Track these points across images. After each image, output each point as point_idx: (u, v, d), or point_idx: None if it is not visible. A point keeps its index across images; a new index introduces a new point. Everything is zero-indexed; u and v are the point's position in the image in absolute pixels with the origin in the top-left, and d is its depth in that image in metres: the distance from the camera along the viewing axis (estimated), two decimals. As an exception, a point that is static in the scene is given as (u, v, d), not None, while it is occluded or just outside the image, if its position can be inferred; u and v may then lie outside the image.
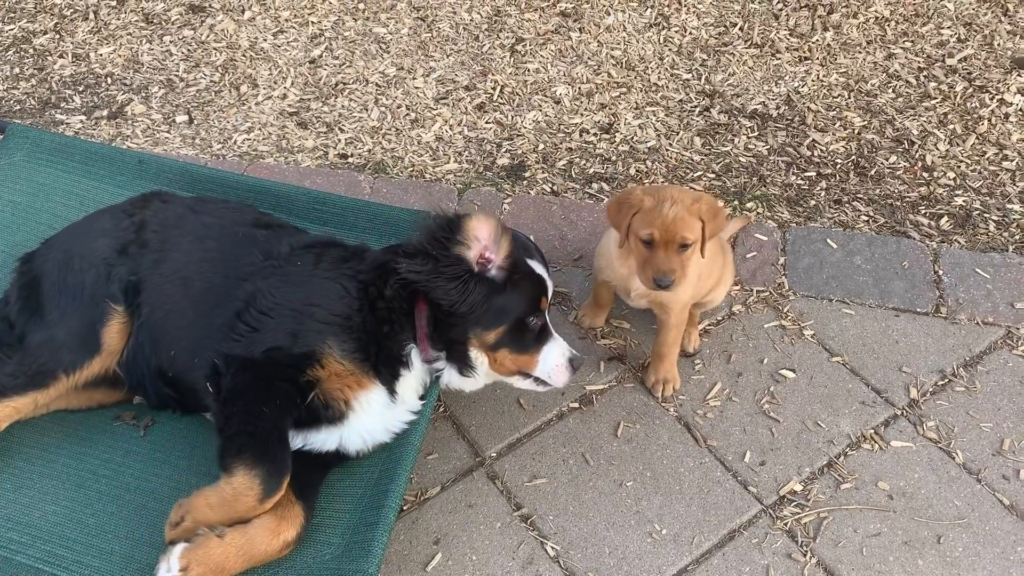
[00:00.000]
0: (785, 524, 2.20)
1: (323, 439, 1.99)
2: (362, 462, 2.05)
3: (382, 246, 2.25)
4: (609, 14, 3.92)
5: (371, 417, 2.04)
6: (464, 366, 2.09)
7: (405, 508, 2.23)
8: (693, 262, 2.22)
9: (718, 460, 2.33)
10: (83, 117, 3.44)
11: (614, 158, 3.29)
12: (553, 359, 2.13)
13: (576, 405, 2.46)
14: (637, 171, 3.24)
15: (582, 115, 3.47)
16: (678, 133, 3.40)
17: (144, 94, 3.56)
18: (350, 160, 3.27)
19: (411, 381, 2.07)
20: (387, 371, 2.03)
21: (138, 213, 2.28)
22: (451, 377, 2.11)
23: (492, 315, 2.05)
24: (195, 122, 3.43)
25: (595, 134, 3.39)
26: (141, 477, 2.09)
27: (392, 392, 2.05)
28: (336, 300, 2.04)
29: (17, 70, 3.67)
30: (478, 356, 2.09)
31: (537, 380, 2.16)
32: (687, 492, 2.27)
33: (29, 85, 3.60)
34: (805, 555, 2.15)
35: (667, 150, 3.33)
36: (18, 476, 2.07)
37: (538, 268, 2.13)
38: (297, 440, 1.98)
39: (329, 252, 2.18)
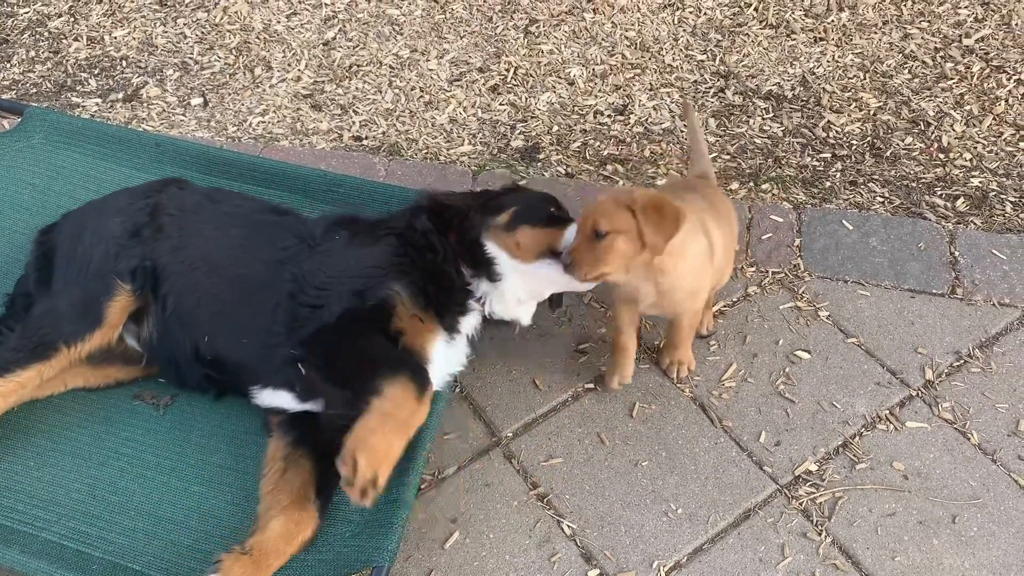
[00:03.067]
0: (800, 504, 2.21)
1: None
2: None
3: None
4: (623, -5, 3.90)
5: (439, 361, 2.07)
6: (491, 273, 2.13)
7: (423, 487, 2.25)
8: (619, 254, 1.99)
9: (733, 440, 2.34)
10: (99, 100, 3.46)
11: (629, 140, 3.29)
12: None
13: (591, 386, 2.47)
14: (652, 152, 3.23)
15: (596, 97, 3.46)
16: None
17: (159, 77, 3.57)
18: (364, 142, 3.27)
19: (466, 316, 2.13)
20: (444, 307, 2.08)
21: (154, 196, 2.30)
22: (494, 301, 2.16)
23: (503, 201, 2.18)
24: (210, 105, 3.44)
25: (609, 116, 3.38)
26: (162, 455, 2.11)
27: (450, 330, 2.09)
28: (385, 254, 2.10)
29: (33, 53, 3.68)
30: (496, 249, 2.12)
31: (567, 265, 2.03)
32: (702, 472, 2.28)
33: (45, 68, 3.61)
34: (820, 534, 2.16)
35: (682, 131, 3.32)
36: (41, 454, 2.10)
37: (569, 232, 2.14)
38: None
39: (359, 224, 2.22)
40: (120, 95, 3.49)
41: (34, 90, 3.51)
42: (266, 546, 1.83)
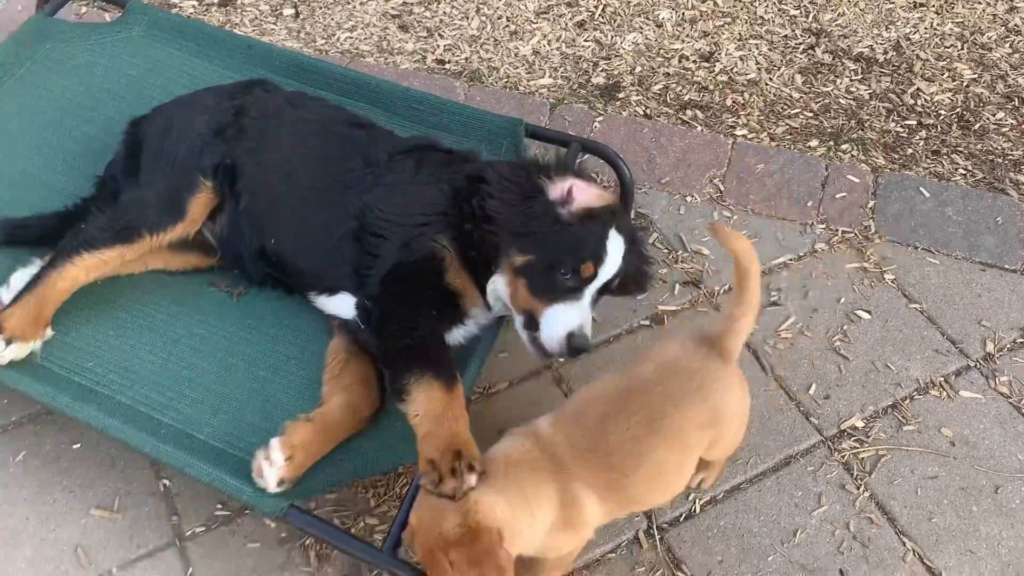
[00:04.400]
0: (842, 457, 2.23)
1: (456, 335, 2.10)
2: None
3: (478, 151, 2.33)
4: (721, -58, 3.82)
5: (474, 315, 2.12)
6: (487, 278, 2.05)
7: (474, 399, 2.33)
8: None
9: (783, 389, 2.36)
10: (195, 3, 3.54)
11: (711, 87, 3.26)
12: (559, 321, 1.94)
13: (647, 323, 2.50)
14: (733, 102, 3.20)
15: (683, 41, 3.43)
16: (779, 68, 3.34)
17: (254, -15, 3.63)
18: (447, 66, 3.31)
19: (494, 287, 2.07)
20: (481, 274, 2.06)
21: (239, 97, 2.37)
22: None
23: (531, 241, 1.96)
24: (301, 16, 3.50)
25: (694, 61, 3.35)
26: (232, 340, 2.22)
27: (483, 295, 2.10)
28: (441, 203, 2.10)
29: (136, -48, 3.78)
30: (499, 276, 2.01)
31: (533, 338, 2.00)
32: (750, 415, 2.30)
33: (146, -33, 3.71)
34: (859, 488, 2.18)
35: (766, 84, 3.28)
36: (120, 326, 2.23)
37: (613, 245, 1.99)
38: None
39: (429, 156, 2.23)
40: (215, 2, 3.57)
41: (135, -12, 3.60)
42: (329, 417, 1.93)
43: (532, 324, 1.98)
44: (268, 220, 2.21)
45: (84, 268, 2.17)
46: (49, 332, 2.14)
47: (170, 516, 2.13)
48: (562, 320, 1.93)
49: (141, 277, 2.33)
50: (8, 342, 2.04)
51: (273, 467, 1.83)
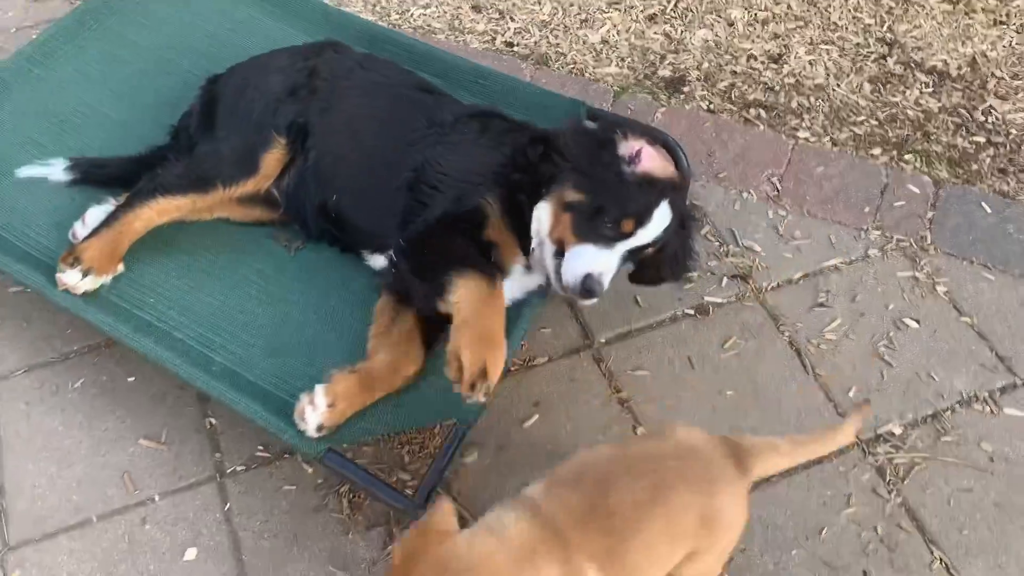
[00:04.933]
0: (876, 460, 2.22)
1: None
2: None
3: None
4: (801, -54, 3.80)
5: (513, 277, 2.16)
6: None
7: (513, 370, 2.37)
8: None
9: (822, 389, 2.36)
10: (278, -30, 3.64)
11: (778, 88, 3.25)
12: (584, 259, 1.99)
13: (692, 312, 2.52)
14: (799, 105, 3.19)
15: (753, 41, 3.42)
16: (848, 75, 3.31)
17: (336, -42, 3.72)
18: (515, 49, 3.35)
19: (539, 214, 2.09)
20: (525, 234, 2.11)
21: (312, 59, 2.45)
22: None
23: (586, 181, 2.02)
24: (378, -9, 3.58)
25: (763, 62, 3.35)
26: (287, 290, 2.29)
27: (527, 253, 2.15)
28: (495, 164, 2.16)
29: (226, -82, 3.90)
30: (548, 205, 2.05)
31: (558, 267, 2.03)
32: (785, 412, 2.32)
33: (234, -66, 3.82)
34: (890, 492, 2.17)
35: (834, 90, 3.26)
36: (183, 267, 2.32)
37: (660, 214, 2.02)
38: None
39: (493, 123, 2.29)
40: (298, -31, 3.66)
41: (222, -48, 3.72)
42: (373, 371, 2.00)
43: (560, 255, 2.04)
44: (332, 177, 2.28)
45: (158, 211, 2.27)
46: (121, 267, 2.25)
47: (213, 453, 2.21)
48: (587, 259, 1.99)
49: (207, 225, 2.42)
50: (84, 274, 2.15)
51: (315, 412, 1.90)
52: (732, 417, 2.30)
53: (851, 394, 2.35)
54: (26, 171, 2.43)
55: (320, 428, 1.91)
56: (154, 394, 2.31)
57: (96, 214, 2.32)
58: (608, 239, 2.01)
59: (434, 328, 2.10)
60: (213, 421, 2.27)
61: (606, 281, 2.01)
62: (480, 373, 1.81)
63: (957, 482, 2.19)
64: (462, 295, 1.90)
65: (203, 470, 2.18)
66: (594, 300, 2.04)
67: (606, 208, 2.00)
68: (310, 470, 2.19)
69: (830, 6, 3.58)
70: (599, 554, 1.59)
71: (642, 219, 2.01)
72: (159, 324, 2.16)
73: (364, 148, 2.28)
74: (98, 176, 2.45)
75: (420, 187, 2.18)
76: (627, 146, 2.06)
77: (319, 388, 1.92)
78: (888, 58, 3.39)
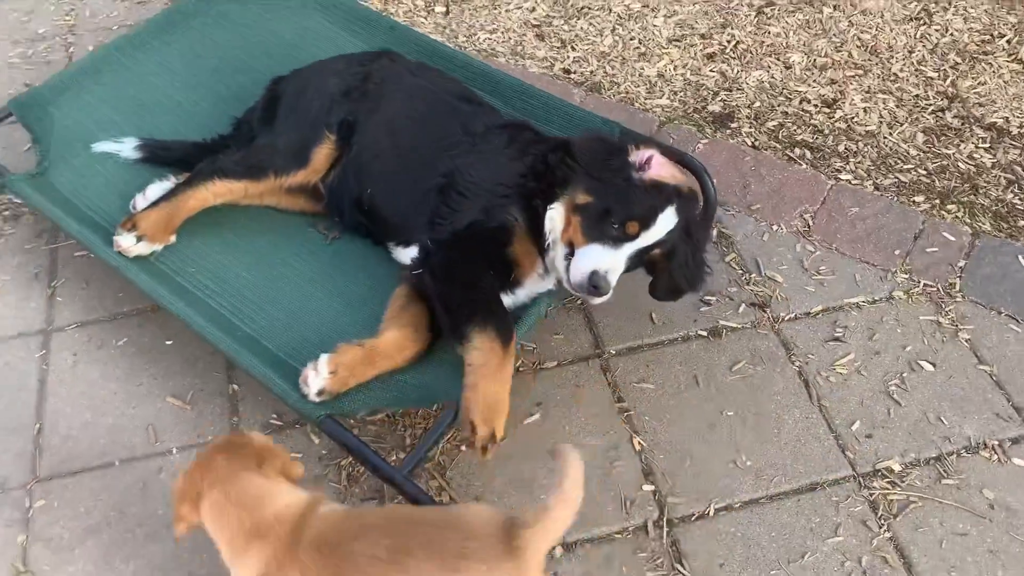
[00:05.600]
0: (870, 494, 2.21)
1: (508, 297, 2.26)
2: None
3: None
4: (871, -2, 3.84)
5: (527, 286, 2.28)
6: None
7: (521, 369, 2.46)
8: None
9: (825, 420, 2.36)
10: (360, -9, 3.89)
11: (827, 131, 3.28)
12: (591, 258, 2.10)
13: (705, 334, 2.56)
14: (846, 148, 3.21)
15: (809, 85, 3.46)
16: (902, 125, 3.32)
17: (416, -17, 3.95)
18: (572, 76, 3.48)
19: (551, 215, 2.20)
20: (541, 236, 2.22)
21: (368, 65, 2.63)
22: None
23: (596, 184, 2.13)
24: (450, 14, 3.78)
25: (815, 105, 3.38)
26: (317, 274, 2.45)
27: (543, 262, 2.25)
28: (517, 176, 2.27)
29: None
30: (560, 207, 2.16)
31: (567, 267, 2.14)
32: (783, 438, 2.33)
33: (326, -45, 4.10)
34: (880, 527, 2.16)
35: (885, 137, 3.27)
36: (226, 245, 2.50)
37: (664, 219, 2.12)
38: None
39: (521, 135, 2.42)
40: (379, -9, 3.90)
41: (312, -29, 4.00)
42: (378, 347, 2.12)
43: (571, 256, 2.16)
44: (369, 171, 2.44)
45: (213, 192, 2.47)
46: (172, 239, 2.45)
47: (231, 416, 2.37)
48: (593, 258, 2.10)
49: (255, 210, 2.60)
50: (139, 239, 2.36)
51: (318, 377, 2.03)
52: (728, 436, 2.32)
53: (854, 428, 2.34)
54: (100, 146, 2.68)
55: (321, 392, 2.03)
56: (187, 358, 2.48)
57: (156, 190, 2.54)
58: (615, 240, 2.11)
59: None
60: (236, 387, 2.42)
61: (612, 279, 2.10)
62: (490, 436, 2.00)
63: (953, 525, 2.16)
64: (476, 357, 2.05)
65: (220, 431, 2.33)
66: (603, 298, 2.13)
67: (613, 210, 2.11)
68: (317, 441, 2.32)
69: (892, 58, 3.59)
70: None
71: (647, 222, 2.11)
72: (194, 290, 2.34)
73: (400, 147, 2.43)
74: (163, 157, 2.68)
75: (450, 193, 2.31)
76: (638, 154, 2.15)
77: (323, 356, 2.06)
78: (946, 111, 3.38)
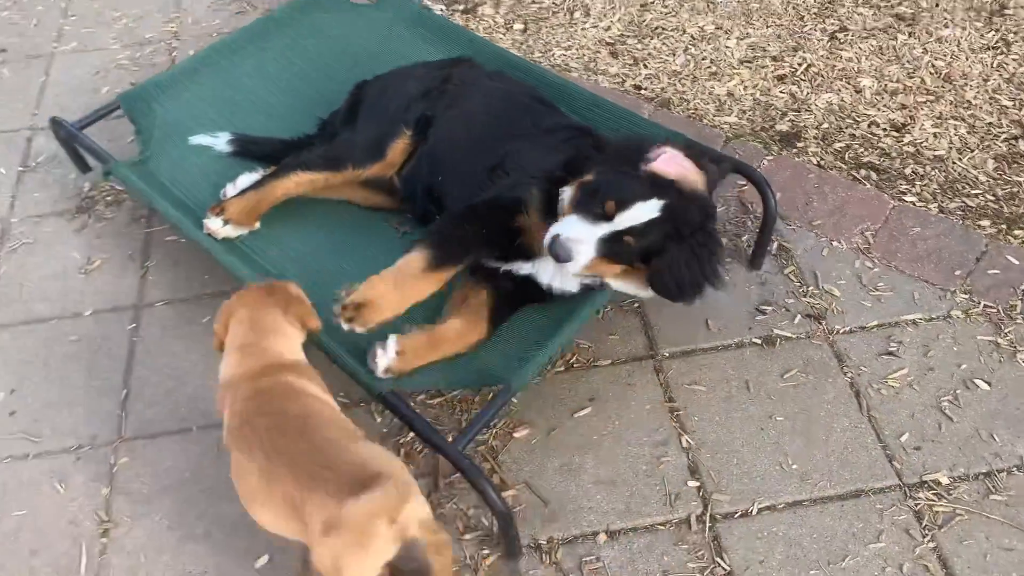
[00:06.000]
0: (916, 504, 2.23)
1: (520, 266, 2.35)
2: (548, 306, 2.39)
3: None
4: (947, 27, 3.85)
5: (548, 272, 2.34)
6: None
7: (575, 365, 2.55)
8: None
9: (874, 430, 2.39)
10: (443, 7, 4.08)
11: (894, 155, 3.30)
12: (563, 224, 2.14)
13: (759, 342, 2.61)
14: (913, 172, 3.23)
15: (878, 109, 3.49)
16: (973, 151, 3.32)
17: (496, 2, 4.12)
18: (642, 92, 3.59)
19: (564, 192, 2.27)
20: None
21: (447, 69, 2.79)
22: None
23: (603, 168, 2.20)
24: (527, 31, 3.93)
25: (884, 129, 3.41)
26: (389, 263, 2.54)
27: None
28: (556, 164, 2.35)
29: (409, -40, 4.40)
30: (570, 186, 2.24)
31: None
32: (831, 444, 2.36)
33: (413, -26, 4.31)
34: (924, 537, 2.17)
35: (954, 163, 3.27)
36: (305, 233, 2.66)
37: (644, 207, 2.12)
38: (504, 265, 2.36)
39: (581, 137, 2.52)
40: (461, 7, 4.08)
41: (399, -12, 4.21)
42: (440, 333, 2.25)
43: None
44: (441, 160, 2.58)
45: (296, 183, 2.65)
46: (257, 225, 2.63)
47: (301, 392, 2.51)
48: (565, 225, 2.14)
49: (333, 203, 2.76)
50: (226, 223, 2.55)
51: (385, 356, 2.17)
52: (776, 439, 2.37)
53: (903, 439, 2.37)
54: (197, 139, 2.89)
55: (387, 370, 2.17)
56: (264, 337, 2.65)
57: (245, 180, 2.73)
58: (594, 216, 2.13)
59: (502, 308, 2.34)
60: (307, 366, 2.57)
61: (578, 250, 2.10)
62: (356, 306, 2.19)
63: (999, 540, 2.16)
64: (406, 258, 2.28)
65: (290, 405, 2.48)
66: (567, 264, 2.13)
67: (599, 190, 2.15)
68: (378, 420, 2.46)
69: (967, 85, 3.59)
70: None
71: (624, 204, 2.11)
72: (273, 271, 2.51)
73: (472, 137, 2.57)
74: (252, 151, 2.87)
75: (496, 172, 2.45)
76: (655, 151, 2.21)
77: (392, 337, 2.19)
78: (1020, 140, 3.37)
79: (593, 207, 2.13)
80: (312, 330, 2.12)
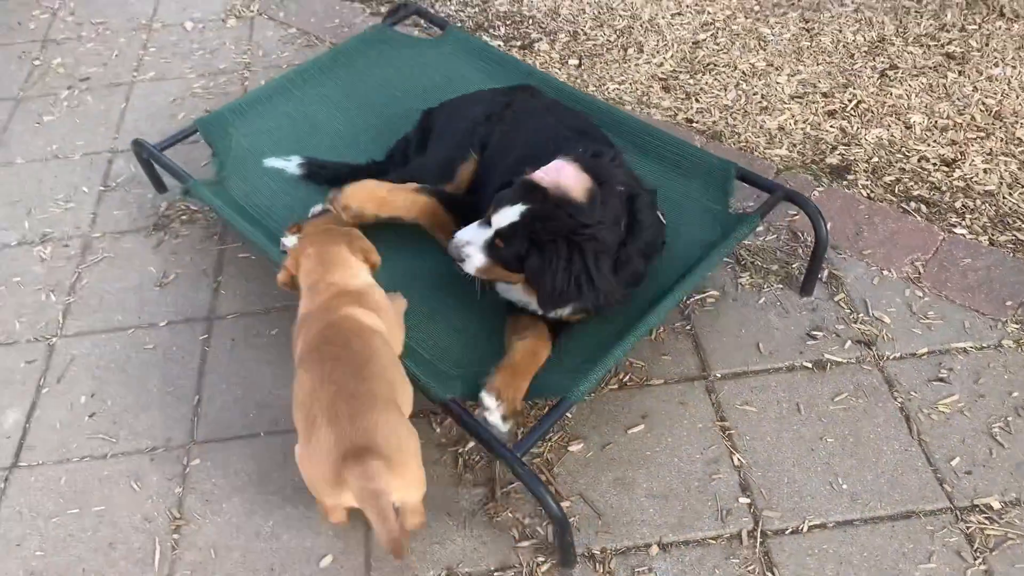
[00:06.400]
0: (967, 527, 2.26)
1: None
2: (603, 323, 2.47)
3: (687, 184, 2.81)
4: (997, 66, 3.91)
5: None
6: None
7: (628, 384, 2.63)
8: None
9: (924, 453, 2.42)
10: (501, 43, 4.24)
11: (944, 189, 3.35)
12: (465, 231, 2.34)
13: (809, 366, 2.67)
14: (963, 205, 3.28)
15: (928, 145, 3.55)
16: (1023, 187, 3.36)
17: (552, 38, 4.27)
18: (694, 125, 3.69)
19: None
20: None
21: (509, 96, 2.92)
22: None
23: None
24: (582, 67, 4.07)
25: (934, 163, 3.46)
26: (452, 285, 2.69)
27: None
28: None
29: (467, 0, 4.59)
30: None
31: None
32: (882, 466, 2.40)
33: (472, 11, 4.49)
34: (975, 559, 2.19)
35: (1004, 198, 3.31)
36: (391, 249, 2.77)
37: (507, 211, 2.24)
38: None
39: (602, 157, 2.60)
40: (518, 43, 4.24)
41: (459, 24, 4.38)
42: (516, 359, 2.32)
43: None
44: (491, 182, 2.69)
45: None
46: None
47: (364, 402, 2.62)
48: (466, 230, 2.35)
49: (405, 227, 2.84)
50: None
51: (493, 413, 2.22)
52: (826, 460, 2.41)
53: (953, 463, 2.39)
54: (271, 162, 3.05)
55: (504, 419, 2.23)
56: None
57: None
58: (487, 222, 2.30)
59: (556, 330, 2.43)
60: (369, 378, 2.68)
61: (470, 253, 2.30)
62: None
63: (1051, 565, 2.18)
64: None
65: (353, 414, 2.59)
66: (463, 266, 2.33)
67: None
68: (437, 430, 2.55)
69: (1017, 123, 3.64)
70: None
71: (496, 208, 2.27)
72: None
73: (513, 155, 2.67)
74: (321, 175, 3.02)
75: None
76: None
77: (482, 394, 2.24)
78: (1071, 176, 3.40)
79: (488, 213, 2.30)
80: (373, 265, 2.33)
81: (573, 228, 2.21)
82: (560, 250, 2.22)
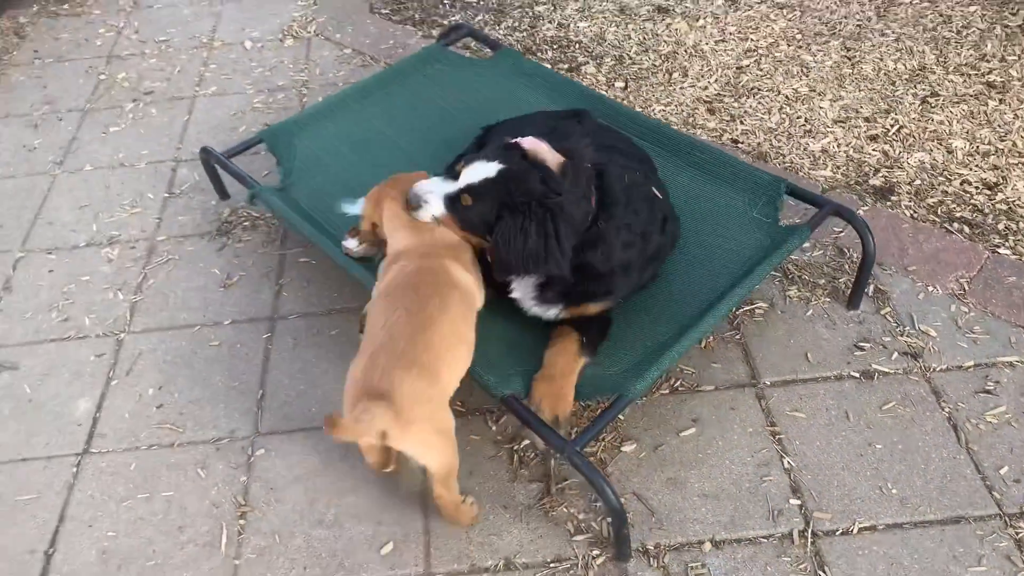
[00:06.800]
0: (1017, 533, 2.29)
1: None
2: (656, 325, 2.55)
3: (738, 197, 2.89)
4: (1038, 95, 3.98)
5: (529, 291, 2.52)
6: None
7: (679, 390, 2.70)
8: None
9: (973, 462, 2.46)
10: (549, 65, 4.37)
11: (987, 211, 3.41)
12: (429, 181, 2.39)
13: (857, 375, 2.72)
14: (1006, 228, 3.33)
15: (971, 169, 3.62)
16: (1065, 210, 3.41)
17: (599, 62, 4.40)
18: (739, 146, 3.78)
19: None
20: None
21: (559, 121, 3.03)
22: None
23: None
24: (628, 89, 4.18)
25: (976, 187, 3.53)
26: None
27: None
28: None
29: (516, 24, 4.73)
30: None
31: None
32: (930, 472, 2.44)
33: (520, 35, 4.63)
34: (1025, 564, 2.23)
35: (1048, 220, 3.37)
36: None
37: (475, 169, 2.30)
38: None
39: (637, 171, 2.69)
40: (565, 67, 4.37)
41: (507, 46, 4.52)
42: (554, 372, 2.39)
43: None
44: None
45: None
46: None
47: (422, 400, 2.70)
48: (427, 182, 2.39)
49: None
50: (360, 243, 2.79)
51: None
52: (875, 465, 2.46)
53: (1002, 472, 2.43)
54: (347, 208, 3.16)
55: (555, 422, 2.30)
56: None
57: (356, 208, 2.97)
58: (455, 175, 2.36)
59: (593, 336, 2.51)
60: (426, 378, 2.77)
61: (424, 198, 2.33)
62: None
63: (1102, 572, 2.21)
64: None
65: (411, 411, 2.67)
66: (418, 213, 2.35)
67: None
68: (493, 427, 2.63)
69: (1059, 149, 3.70)
70: None
71: (468, 163, 2.33)
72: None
73: None
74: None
75: None
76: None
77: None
78: (1114, 202, 3.45)
79: (458, 167, 2.37)
80: None
81: (545, 193, 2.25)
82: (535, 213, 2.24)
